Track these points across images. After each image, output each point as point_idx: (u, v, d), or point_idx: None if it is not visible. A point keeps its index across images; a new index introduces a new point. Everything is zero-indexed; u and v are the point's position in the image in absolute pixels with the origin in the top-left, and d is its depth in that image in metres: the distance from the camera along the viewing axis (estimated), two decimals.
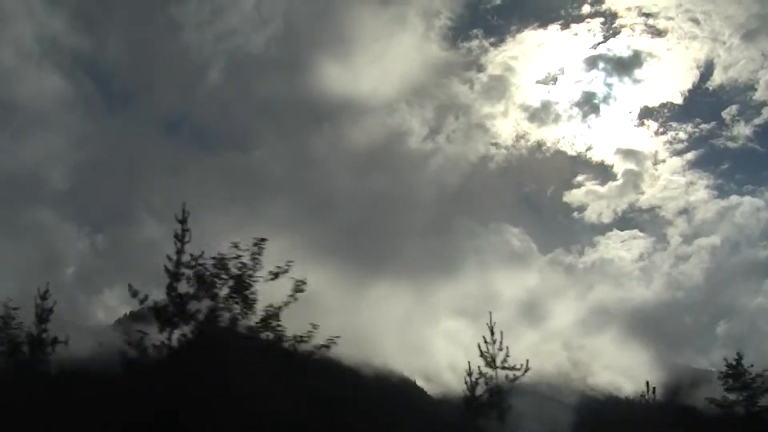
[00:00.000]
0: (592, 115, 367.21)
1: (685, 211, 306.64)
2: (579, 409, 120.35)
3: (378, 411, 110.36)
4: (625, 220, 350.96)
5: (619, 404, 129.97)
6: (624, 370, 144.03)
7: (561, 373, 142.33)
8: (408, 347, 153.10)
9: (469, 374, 32.48)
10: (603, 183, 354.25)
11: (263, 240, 24.10)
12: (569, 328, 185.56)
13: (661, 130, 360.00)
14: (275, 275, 23.80)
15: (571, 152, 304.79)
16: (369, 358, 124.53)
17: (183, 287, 23.74)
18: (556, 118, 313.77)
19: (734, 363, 26.10)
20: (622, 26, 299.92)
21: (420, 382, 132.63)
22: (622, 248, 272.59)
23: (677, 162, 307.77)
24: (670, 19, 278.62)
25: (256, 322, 23.47)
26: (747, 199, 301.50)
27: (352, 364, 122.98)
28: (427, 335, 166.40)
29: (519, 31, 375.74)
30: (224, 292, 23.48)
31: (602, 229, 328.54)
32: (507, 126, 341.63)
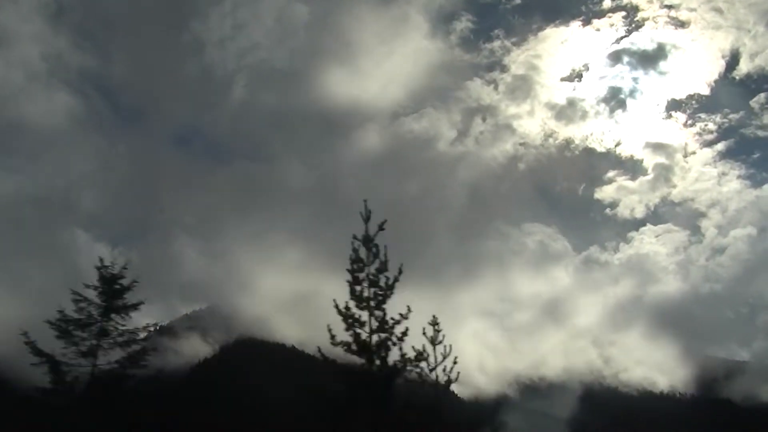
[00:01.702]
0: (619, 110, 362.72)
1: (718, 203, 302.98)
2: (611, 406, 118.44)
3: (407, 413, 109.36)
4: (658, 215, 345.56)
5: (654, 400, 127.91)
6: (658, 365, 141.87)
7: (592, 371, 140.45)
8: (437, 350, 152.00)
9: None
10: (634, 178, 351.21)
11: None
12: (603, 326, 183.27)
13: (689, 122, 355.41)
14: None
15: (600, 148, 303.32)
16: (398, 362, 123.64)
17: None
18: (583, 115, 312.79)
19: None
20: (645, 19, 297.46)
21: (451, 385, 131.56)
22: (657, 243, 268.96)
23: (708, 153, 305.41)
24: (692, 10, 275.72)
25: None
26: None
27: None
28: (456, 338, 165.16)
29: (540, 29, 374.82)
30: None
31: (636, 224, 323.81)
32: (534, 125, 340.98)
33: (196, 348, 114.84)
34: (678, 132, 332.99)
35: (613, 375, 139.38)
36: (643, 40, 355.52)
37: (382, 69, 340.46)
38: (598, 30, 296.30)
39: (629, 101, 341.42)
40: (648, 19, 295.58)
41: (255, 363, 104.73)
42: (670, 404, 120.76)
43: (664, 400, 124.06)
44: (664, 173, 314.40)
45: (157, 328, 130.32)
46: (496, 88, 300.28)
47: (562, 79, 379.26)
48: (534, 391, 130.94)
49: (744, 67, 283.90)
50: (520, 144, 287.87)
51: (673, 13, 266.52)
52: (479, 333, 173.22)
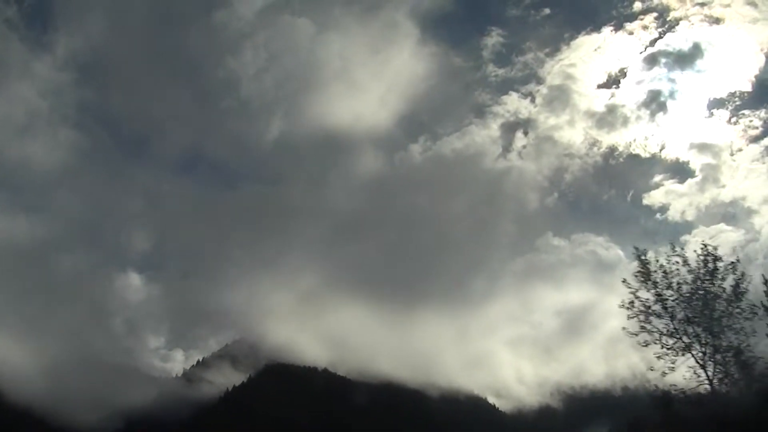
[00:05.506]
0: (660, 113, 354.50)
1: None
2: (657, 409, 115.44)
3: (447, 430, 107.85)
4: (710, 216, 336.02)
5: (702, 399, 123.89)
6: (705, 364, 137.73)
7: (636, 375, 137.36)
8: (479, 366, 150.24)
9: None
10: (681, 181, 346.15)
11: None
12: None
13: (733, 119, 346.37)
14: None
15: (645, 154, 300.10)
16: (435, 378, 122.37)
17: None
18: (625, 121, 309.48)
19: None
20: (678, 19, 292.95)
21: (491, 399, 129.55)
22: (712, 244, 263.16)
23: (755, 149, 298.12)
24: (726, 5, 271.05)
25: None
26: None
27: (418, 387, 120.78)
28: (496, 349, 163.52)
29: (572, 37, 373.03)
30: None
31: (687, 227, 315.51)
32: (576, 135, 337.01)
33: (227, 377, 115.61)
34: (722, 130, 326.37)
35: (658, 378, 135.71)
36: (678, 41, 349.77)
37: (413, 90, 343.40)
38: (631, 33, 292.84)
39: (670, 103, 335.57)
40: (681, 18, 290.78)
41: (284, 387, 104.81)
42: (720, 403, 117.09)
43: (713, 399, 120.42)
44: (712, 173, 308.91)
45: (199, 362, 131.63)
46: (533, 100, 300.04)
47: (599, 86, 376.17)
48: (577, 400, 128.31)
49: None
50: (565, 155, 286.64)
51: (706, 10, 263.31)
52: (520, 343, 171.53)
